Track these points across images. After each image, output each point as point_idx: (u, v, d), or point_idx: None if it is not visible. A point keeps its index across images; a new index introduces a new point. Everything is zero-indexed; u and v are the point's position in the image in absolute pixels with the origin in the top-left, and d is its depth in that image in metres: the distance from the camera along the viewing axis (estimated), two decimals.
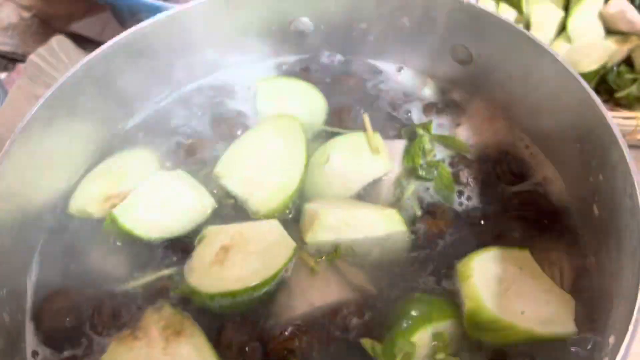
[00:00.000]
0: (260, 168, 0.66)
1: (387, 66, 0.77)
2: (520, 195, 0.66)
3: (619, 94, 1.00)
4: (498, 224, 0.63)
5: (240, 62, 0.76)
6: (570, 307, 0.56)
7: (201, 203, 0.65)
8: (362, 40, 0.74)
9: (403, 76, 0.76)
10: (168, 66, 0.71)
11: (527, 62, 0.62)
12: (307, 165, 0.67)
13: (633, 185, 0.49)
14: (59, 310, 0.58)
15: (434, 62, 0.73)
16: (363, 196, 0.67)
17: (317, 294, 0.59)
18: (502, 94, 0.69)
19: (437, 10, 0.66)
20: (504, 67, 0.66)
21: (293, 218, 0.65)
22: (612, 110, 1.00)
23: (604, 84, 0.99)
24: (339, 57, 0.77)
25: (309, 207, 0.63)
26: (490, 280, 0.57)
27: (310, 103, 0.73)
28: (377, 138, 0.68)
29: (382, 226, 0.61)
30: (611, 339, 0.47)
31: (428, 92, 0.75)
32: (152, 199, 0.64)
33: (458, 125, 0.71)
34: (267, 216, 0.63)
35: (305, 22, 0.72)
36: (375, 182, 0.68)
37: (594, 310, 0.54)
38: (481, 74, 0.69)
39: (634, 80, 0.99)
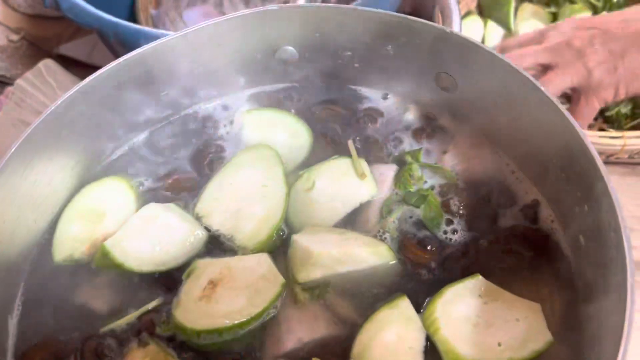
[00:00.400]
0: (241, 202, 0.66)
1: (372, 93, 0.77)
2: (509, 225, 0.65)
3: (608, 113, 1.00)
4: (486, 256, 0.63)
5: (223, 93, 0.76)
6: (539, 315, 0.57)
7: (193, 235, 0.64)
8: (347, 67, 0.74)
9: (389, 103, 0.76)
10: (148, 99, 0.70)
11: (510, 90, 0.62)
12: (287, 194, 0.66)
13: (617, 220, 0.48)
14: None
15: (419, 89, 0.73)
16: (351, 221, 0.67)
17: (305, 329, 0.58)
18: (487, 121, 0.69)
19: (421, 39, 0.66)
20: (488, 94, 0.66)
21: (280, 249, 0.64)
22: (600, 129, 1.01)
23: None
24: (323, 85, 0.77)
25: (300, 241, 0.62)
26: (458, 323, 0.56)
27: (294, 133, 0.73)
28: (362, 163, 0.68)
29: (374, 260, 0.61)
30: None
31: (411, 117, 0.74)
32: (144, 232, 0.63)
33: (445, 152, 0.71)
34: (255, 251, 0.63)
35: (290, 50, 0.72)
36: (363, 207, 0.67)
37: (582, 351, 0.54)
38: (466, 101, 0.69)
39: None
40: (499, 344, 0.55)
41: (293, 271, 0.61)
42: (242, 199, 0.66)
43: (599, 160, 0.51)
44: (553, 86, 0.89)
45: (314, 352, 0.56)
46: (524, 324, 0.56)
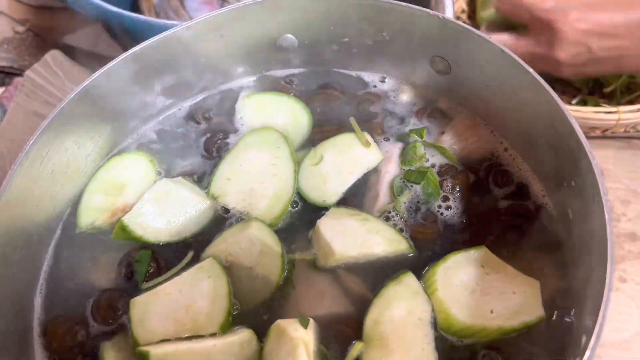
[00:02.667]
0: (253, 181, 0.70)
1: (371, 77, 0.80)
2: (504, 201, 0.68)
3: (607, 89, 1.01)
4: (483, 231, 0.66)
5: (226, 80, 0.79)
6: (537, 291, 0.60)
7: (203, 206, 0.68)
8: (345, 53, 0.77)
9: (387, 86, 0.79)
10: (153, 89, 0.74)
11: (500, 72, 0.65)
12: (296, 171, 0.70)
13: (599, 194, 0.51)
14: (64, 337, 0.62)
15: (416, 72, 0.75)
16: (360, 193, 0.70)
17: (307, 306, 0.62)
18: (482, 103, 0.72)
19: (415, 25, 0.68)
20: (480, 77, 0.68)
21: (294, 220, 0.68)
22: (596, 104, 1.02)
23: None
24: (323, 70, 0.80)
25: (323, 231, 0.64)
26: (455, 288, 0.60)
27: (293, 115, 0.76)
28: (365, 134, 0.72)
29: (393, 256, 0.65)
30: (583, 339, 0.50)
31: (408, 99, 0.77)
32: (159, 206, 0.68)
33: (442, 133, 0.74)
34: (271, 226, 0.67)
35: (290, 38, 0.75)
36: (372, 183, 0.71)
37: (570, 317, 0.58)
38: (460, 83, 0.72)
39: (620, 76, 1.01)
40: (491, 311, 0.58)
41: (317, 255, 0.65)
42: (254, 178, 0.70)
43: (583, 139, 0.54)
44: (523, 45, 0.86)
45: (325, 327, 0.60)
46: (519, 297, 0.59)
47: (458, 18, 1.11)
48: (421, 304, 0.60)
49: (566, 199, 0.62)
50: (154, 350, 0.56)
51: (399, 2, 0.66)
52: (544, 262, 0.63)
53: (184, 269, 0.64)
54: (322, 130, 0.75)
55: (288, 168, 0.70)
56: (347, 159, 0.71)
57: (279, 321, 0.57)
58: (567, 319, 0.57)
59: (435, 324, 0.59)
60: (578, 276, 0.58)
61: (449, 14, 0.77)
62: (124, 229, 0.66)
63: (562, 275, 0.62)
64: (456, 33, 0.66)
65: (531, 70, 0.60)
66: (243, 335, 0.58)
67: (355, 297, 0.62)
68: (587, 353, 0.45)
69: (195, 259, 0.65)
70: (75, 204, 0.70)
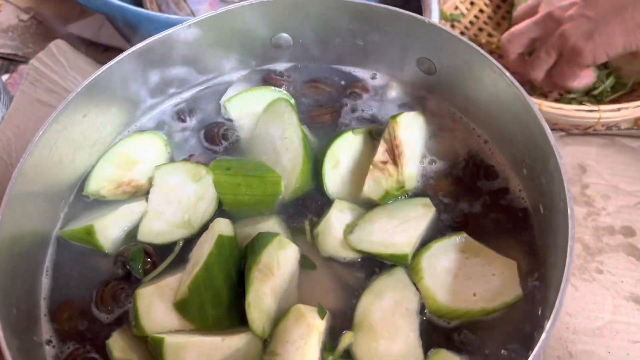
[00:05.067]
0: (271, 157, 0.73)
1: (362, 73, 0.84)
2: (485, 194, 0.72)
3: (594, 92, 1.04)
4: (463, 221, 0.70)
5: (221, 74, 0.83)
6: (514, 271, 0.64)
7: (211, 194, 0.71)
8: (337, 51, 0.81)
9: (376, 82, 0.83)
10: (150, 82, 0.78)
11: (480, 74, 0.69)
12: (304, 139, 0.72)
13: (564, 192, 0.56)
14: (70, 320, 0.66)
15: (404, 71, 0.80)
16: None
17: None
18: (465, 101, 0.76)
19: (403, 28, 0.72)
20: (462, 77, 0.73)
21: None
22: (580, 103, 1.05)
23: None
24: (316, 67, 0.84)
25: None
26: (440, 274, 0.64)
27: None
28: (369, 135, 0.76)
29: None
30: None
31: (396, 95, 0.81)
32: (166, 206, 0.70)
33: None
34: (293, 196, 0.71)
35: (285, 37, 0.79)
36: None
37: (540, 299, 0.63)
38: (444, 83, 0.76)
39: (609, 74, 1.04)
40: (474, 295, 0.63)
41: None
42: (274, 151, 0.74)
43: (552, 139, 0.59)
44: (539, 62, 0.93)
45: None
46: (498, 278, 0.64)
47: (453, 12, 1.15)
48: (409, 295, 0.64)
49: (538, 195, 0.67)
50: (168, 338, 0.59)
51: (388, 7, 0.70)
52: (518, 253, 0.68)
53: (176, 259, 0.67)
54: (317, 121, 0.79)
55: (296, 138, 0.72)
56: (361, 162, 0.75)
57: (299, 305, 0.61)
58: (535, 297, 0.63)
59: (421, 312, 0.64)
60: (547, 264, 0.62)
61: (434, 18, 0.81)
62: (89, 233, 0.68)
63: (533, 262, 0.66)
64: (440, 36, 0.70)
65: (508, 73, 0.64)
66: (250, 334, 0.61)
67: (346, 290, 0.66)
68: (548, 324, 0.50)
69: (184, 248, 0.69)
70: (78, 192, 0.75)
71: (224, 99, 0.81)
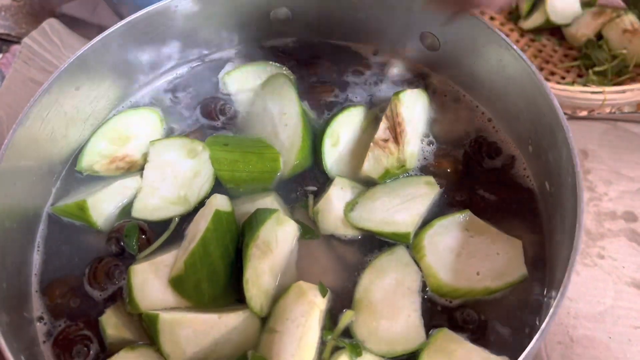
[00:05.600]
0: (270, 134, 0.72)
1: (364, 49, 0.82)
2: (489, 173, 0.71)
3: (597, 68, 1.03)
4: (466, 199, 0.69)
5: (220, 49, 0.82)
6: (519, 250, 0.63)
7: (207, 171, 0.69)
8: (339, 26, 0.79)
9: (379, 58, 0.81)
10: (148, 57, 0.77)
11: (486, 49, 0.67)
12: (302, 114, 0.71)
13: (574, 166, 0.54)
14: (62, 297, 0.64)
15: (406, 47, 0.78)
16: None
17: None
18: (469, 78, 0.74)
19: (405, 1, 0.70)
20: (467, 53, 0.71)
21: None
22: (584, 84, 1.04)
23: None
24: (316, 42, 0.82)
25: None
26: (443, 252, 0.63)
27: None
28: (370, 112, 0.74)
29: None
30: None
31: (398, 72, 0.79)
32: (161, 182, 0.69)
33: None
34: (290, 174, 0.70)
35: (284, 10, 0.77)
36: None
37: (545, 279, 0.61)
38: (448, 59, 0.74)
39: (614, 57, 1.03)
40: (478, 273, 0.62)
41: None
42: (273, 127, 0.72)
43: (561, 114, 0.57)
44: None
45: None
46: (503, 257, 0.62)
47: None
48: (411, 274, 0.62)
49: (544, 172, 0.65)
50: (163, 315, 0.58)
51: None
52: (523, 230, 0.66)
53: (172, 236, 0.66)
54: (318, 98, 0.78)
55: (295, 114, 0.71)
56: (361, 139, 0.73)
57: (301, 282, 0.60)
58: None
59: (423, 291, 0.62)
60: (552, 242, 0.61)
61: None
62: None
63: (538, 241, 0.65)
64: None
65: (515, 46, 0.62)
66: (248, 312, 0.59)
67: (346, 268, 0.65)
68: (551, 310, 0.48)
69: (180, 225, 0.67)
70: (71, 167, 0.73)
71: (222, 73, 0.79)
